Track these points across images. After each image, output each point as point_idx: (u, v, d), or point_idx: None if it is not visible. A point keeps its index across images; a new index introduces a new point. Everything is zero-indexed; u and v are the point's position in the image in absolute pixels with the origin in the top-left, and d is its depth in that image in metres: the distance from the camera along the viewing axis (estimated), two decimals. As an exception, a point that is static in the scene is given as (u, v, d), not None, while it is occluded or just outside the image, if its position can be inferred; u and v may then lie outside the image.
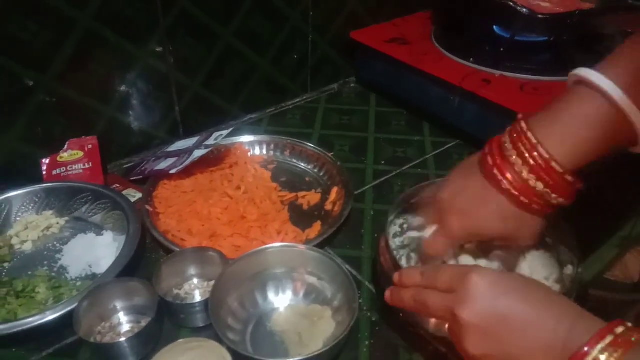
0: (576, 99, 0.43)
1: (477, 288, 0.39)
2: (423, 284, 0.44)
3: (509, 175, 0.44)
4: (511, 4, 0.76)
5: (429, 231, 0.52)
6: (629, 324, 0.35)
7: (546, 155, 0.42)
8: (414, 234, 0.58)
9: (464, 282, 0.40)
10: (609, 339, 0.34)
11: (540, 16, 0.76)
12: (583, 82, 0.43)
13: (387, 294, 0.48)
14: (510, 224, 0.46)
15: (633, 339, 0.34)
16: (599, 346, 0.34)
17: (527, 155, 0.43)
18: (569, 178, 0.43)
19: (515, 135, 0.45)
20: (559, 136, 0.43)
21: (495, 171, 0.45)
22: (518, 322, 0.38)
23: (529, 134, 0.43)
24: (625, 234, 0.86)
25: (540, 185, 0.43)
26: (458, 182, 0.49)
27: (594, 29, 0.89)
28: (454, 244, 0.50)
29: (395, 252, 0.54)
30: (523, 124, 0.44)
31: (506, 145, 0.45)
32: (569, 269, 0.53)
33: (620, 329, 0.34)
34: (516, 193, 0.44)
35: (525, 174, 0.43)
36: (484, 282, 0.39)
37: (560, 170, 0.43)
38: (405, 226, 0.62)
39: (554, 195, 0.44)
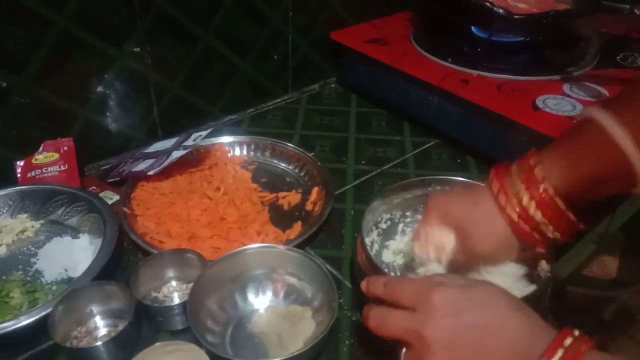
0: (584, 138, 0.44)
1: (438, 307, 0.40)
2: (386, 297, 0.45)
3: (513, 201, 0.46)
4: (488, 4, 0.77)
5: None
6: (576, 333, 0.36)
7: (551, 190, 0.44)
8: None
9: (426, 301, 0.40)
10: (560, 353, 0.35)
11: (516, 16, 0.77)
12: (592, 122, 0.43)
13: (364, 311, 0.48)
14: (501, 246, 0.48)
15: (583, 348, 0.35)
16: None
17: (531, 186, 0.45)
18: (570, 216, 0.45)
19: (522, 166, 0.46)
20: (564, 172, 0.44)
21: (500, 196, 0.47)
22: (480, 336, 0.38)
23: (536, 168, 0.45)
24: (602, 230, 0.88)
25: (539, 215, 0.45)
26: (466, 193, 0.52)
27: (570, 29, 0.90)
28: (433, 221, 0.52)
29: (370, 251, 0.54)
30: (532, 157, 0.46)
31: (513, 174, 0.47)
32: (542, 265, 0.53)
33: (568, 341, 0.35)
34: (516, 220, 0.46)
35: (525, 202, 0.45)
36: (445, 301, 0.40)
37: (562, 207, 0.44)
38: (381, 225, 0.63)
39: (550, 228, 0.45)
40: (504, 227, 0.47)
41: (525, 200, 0.45)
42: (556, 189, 0.44)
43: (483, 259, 0.51)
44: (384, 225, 0.63)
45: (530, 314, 0.39)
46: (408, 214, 0.65)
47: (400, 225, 0.64)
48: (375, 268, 0.52)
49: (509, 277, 0.51)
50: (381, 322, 0.44)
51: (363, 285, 0.48)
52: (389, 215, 0.64)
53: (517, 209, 0.46)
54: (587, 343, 0.36)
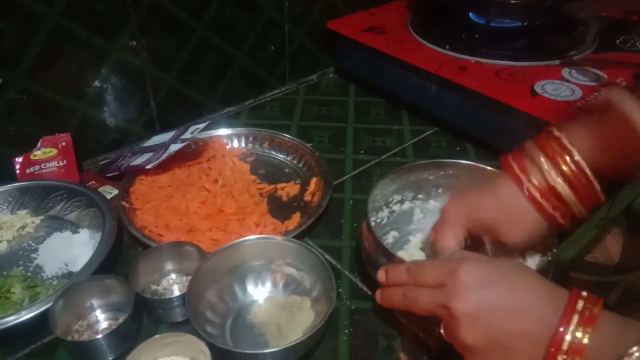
0: (602, 116, 0.44)
1: (466, 281, 0.40)
2: (410, 281, 0.45)
3: (533, 180, 0.45)
4: (484, -11, 0.77)
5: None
6: (584, 294, 0.37)
7: (580, 160, 0.43)
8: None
9: (453, 277, 0.41)
10: (575, 318, 0.35)
11: (513, 1, 0.76)
12: (612, 104, 0.43)
13: (377, 295, 0.49)
14: (530, 232, 0.47)
15: (595, 311, 0.36)
16: (571, 327, 0.35)
17: (558, 158, 0.44)
18: (597, 187, 0.44)
19: (545, 141, 0.45)
20: (589, 144, 0.43)
21: (519, 173, 0.46)
22: (504, 309, 0.39)
23: (563, 139, 0.44)
24: (602, 215, 0.87)
25: (566, 190, 0.44)
26: (481, 188, 0.50)
27: (569, 13, 0.89)
28: (457, 231, 0.50)
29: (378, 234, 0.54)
30: (555, 130, 0.45)
31: (533, 150, 0.46)
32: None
33: (580, 305, 0.36)
34: (539, 200, 0.45)
35: (551, 179, 0.44)
36: (471, 275, 0.41)
37: (591, 177, 0.43)
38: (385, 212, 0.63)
39: (576, 201, 0.44)
40: (531, 211, 0.46)
41: (551, 175, 0.44)
42: (584, 158, 0.43)
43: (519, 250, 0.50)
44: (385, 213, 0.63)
45: (551, 284, 0.40)
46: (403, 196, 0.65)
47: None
48: (384, 252, 0.52)
49: None
50: (412, 298, 0.44)
51: (382, 275, 0.48)
52: (383, 202, 0.63)
53: (540, 187, 0.45)
54: (598, 305, 0.36)
